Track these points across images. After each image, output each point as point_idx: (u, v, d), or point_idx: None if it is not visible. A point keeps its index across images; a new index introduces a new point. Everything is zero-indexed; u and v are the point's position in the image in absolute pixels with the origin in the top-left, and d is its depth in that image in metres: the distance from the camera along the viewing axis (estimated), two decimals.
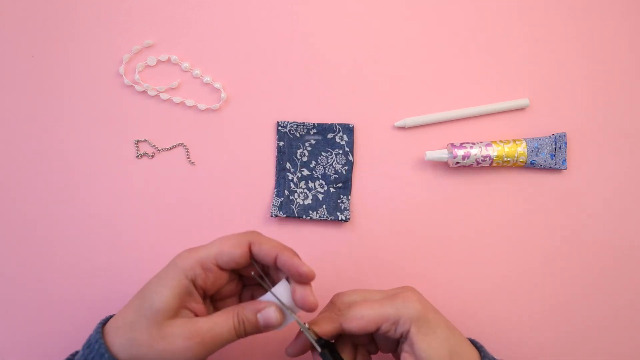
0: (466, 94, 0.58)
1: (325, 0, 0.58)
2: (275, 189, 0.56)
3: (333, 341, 0.47)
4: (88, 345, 0.42)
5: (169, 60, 0.57)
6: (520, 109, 0.58)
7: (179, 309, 0.41)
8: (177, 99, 0.57)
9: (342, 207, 0.56)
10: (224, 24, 0.58)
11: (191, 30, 0.57)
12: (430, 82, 0.58)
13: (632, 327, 0.57)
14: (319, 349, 0.43)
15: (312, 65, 0.58)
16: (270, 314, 0.42)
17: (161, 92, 0.57)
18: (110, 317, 0.44)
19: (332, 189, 0.56)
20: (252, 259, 0.44)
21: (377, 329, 0.44)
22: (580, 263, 0.57)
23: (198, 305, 0.43)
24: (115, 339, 0.41)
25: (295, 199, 0.56)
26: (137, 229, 0.56)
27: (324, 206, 0.56)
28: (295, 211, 0.56)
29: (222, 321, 0.41)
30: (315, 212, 0.56)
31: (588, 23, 0.59)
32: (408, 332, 0.44)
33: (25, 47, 0.57)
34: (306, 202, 0.56)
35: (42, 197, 0.56)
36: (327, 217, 0.56)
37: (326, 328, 0.44)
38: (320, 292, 0.57)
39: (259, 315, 0.42)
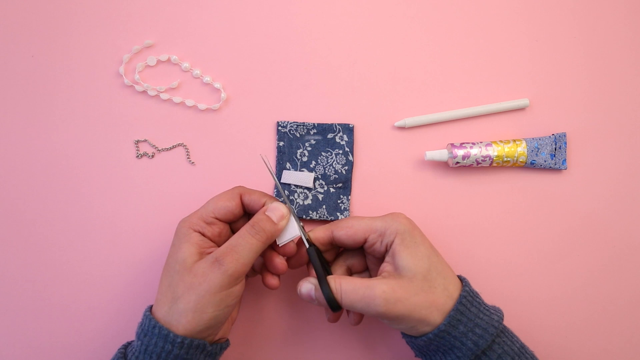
0: (466, 94, 0.58)
1: (325, 1, 0.58)
2: (275, 189, 0.56)
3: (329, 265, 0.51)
4: (144, 333, 0.44)
5: (169, 60, 0.57)
6: (520, 109, 0.58)
7: (201, 254, 0.45)
8: (177, 99, 0.57)
9: (342, 207, 0.56)
10: (224, 24, 0.58)
11: (191, 30, 0.57)
12: (430, 82, 0.58)
13: (629, 325, 0.57)
14: (306, 245, 0.48)
15: (312, 65, 0.58)
16: (274, 206, 0.47)
17: (161, 92, 0.57)
18: (151, 306, 0.47)
19: (332, 189, 0.56)
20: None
21: (365, 241, 0.48)
22: (580, 263, 0.57)
23: (215, 248, 0.47)
24: (163, 315, 0.44)
25: (295, 199, 0.56)
26: (137, 228, 0.56)
27: (324, 206, 0.56)
28: (295, 211, 0.56)
29: (237, 236, 0.46)
30: (315, 212, 0.56)
31: (588, 23, 0.59)
32: (392, 243, 0.47)
33: (25, 47, 0.57)
34: (306, 203, 0.56)
35: (42, 197, 0.56)
36: (327, 217, 0.56)
37: (319, 234, 0.49)
38: None
39: (267, 213, 0.47)
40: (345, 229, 0.48)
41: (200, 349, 0.43)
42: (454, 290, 0.46)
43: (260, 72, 0.58)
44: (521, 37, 0.58)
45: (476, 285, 0.55)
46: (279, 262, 0.49)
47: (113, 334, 0.55)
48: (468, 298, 0.46)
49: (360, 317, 0.50)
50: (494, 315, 0.46)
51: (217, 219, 0.47)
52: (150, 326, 0.43)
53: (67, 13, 0.57)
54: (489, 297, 0.56)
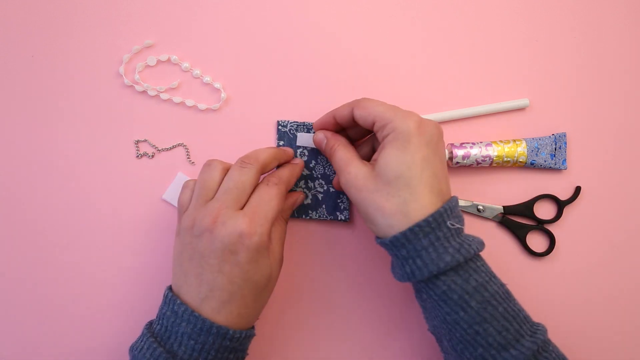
0: (466, 94, 0.58)
1: (325, 0, 0.58)
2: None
3: None
4: (175, 317, 0.44)
5: (169, 60, 0.57)
6: (520, 109, 0.58)
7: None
8: (177, 99, 0.57)
9: (342, 207, 0.56)
10: (224, 24, 0.58)
11: (191, 30, 0.58)
12: (430, 82, 0.58)
13: (627, 324, 0.57)
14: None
15: (312, 65, 0.58)
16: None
17: (161, 92, 0.57)
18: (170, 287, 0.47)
19: (331, 189, 0.56)
20: None
21: (373, 125, 0.46)
22: (580, 263, 0.57)
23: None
24: (211, 309, 0.44)
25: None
26: (137, 229, 0.56)
27: (324, 206, 0.56)
28: (295, 211, 0.56)
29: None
30: (314, 212, 0.56)
31: (588, 23, 0.59)
32: (386, 137, 0.45)
33: (25, 47, 0.57)
34: (305, 202, 0.56)
35: (42, 197, 0.56)
36: (326, 217, 0.56)
37: (342, 111, 0.50)
38: (320, 291, 0.57)
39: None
40: (361, 109, 0.47)
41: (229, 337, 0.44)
42: (416, 210, 0.42)
43: (260, 72, 0.58)
44: (521, 37, 0.58)
45: None
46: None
47: (114, 331, 0.55)
48: (429, 226, 0.41)
49: None
50: (468, 243, 0.42)
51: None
52: (207, 327, 0.43)
53: (67, 13, 0.57)
54: None
